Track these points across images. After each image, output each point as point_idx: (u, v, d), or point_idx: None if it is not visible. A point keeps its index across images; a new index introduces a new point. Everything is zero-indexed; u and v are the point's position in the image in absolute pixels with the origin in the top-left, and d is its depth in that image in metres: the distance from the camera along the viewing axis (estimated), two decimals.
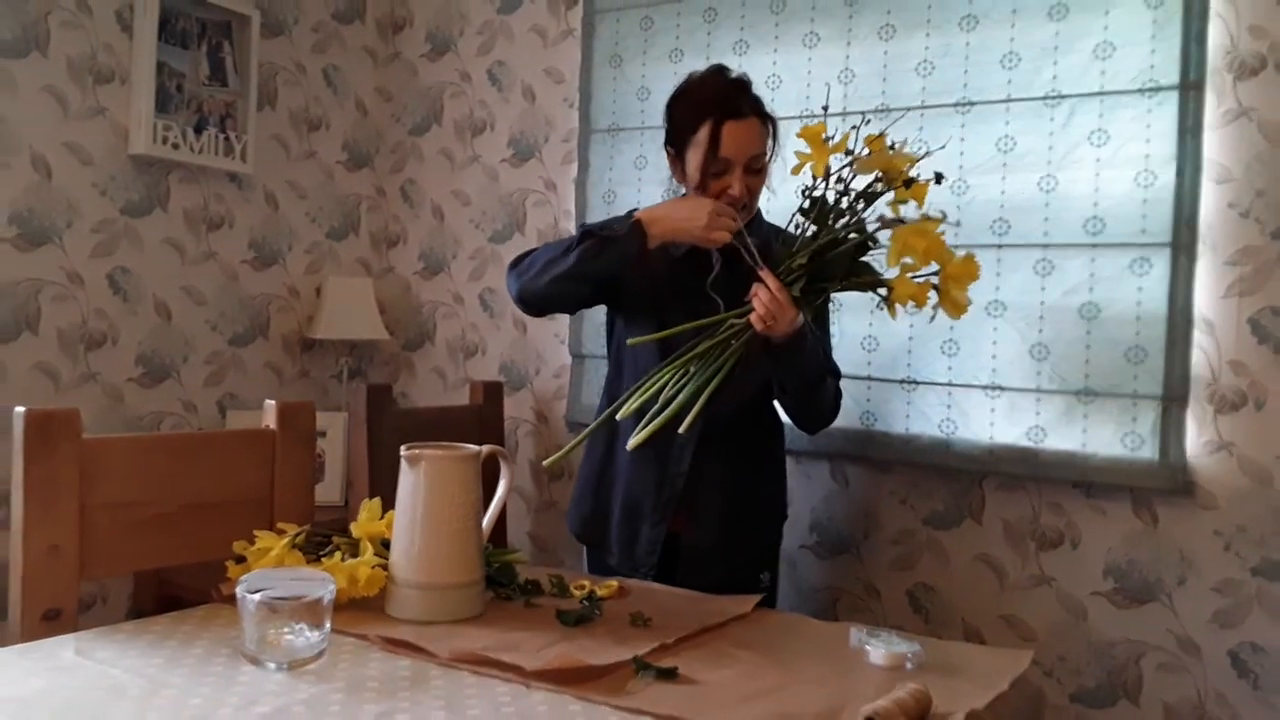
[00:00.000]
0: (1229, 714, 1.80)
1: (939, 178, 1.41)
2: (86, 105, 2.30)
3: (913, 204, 1.39)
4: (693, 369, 1.43)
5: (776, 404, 1.75)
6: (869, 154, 1.38)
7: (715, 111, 1.56)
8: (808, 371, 1.61)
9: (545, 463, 1.51)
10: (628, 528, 1.68)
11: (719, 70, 1.65)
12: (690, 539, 1.67)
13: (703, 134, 1.57)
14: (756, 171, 1.60)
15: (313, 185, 2.82)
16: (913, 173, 1.38)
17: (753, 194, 1.62)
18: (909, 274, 1.36)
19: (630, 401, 1.44)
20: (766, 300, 1.41)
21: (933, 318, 1.42)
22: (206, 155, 2.48)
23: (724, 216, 1.52)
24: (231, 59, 2.55)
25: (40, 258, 2.23)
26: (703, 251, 1.65)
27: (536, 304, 1.67)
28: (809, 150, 1.41)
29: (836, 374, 1.72)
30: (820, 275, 1.43)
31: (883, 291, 1.40)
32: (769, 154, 1.62)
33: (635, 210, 1.60)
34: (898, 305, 1.38)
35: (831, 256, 1.41)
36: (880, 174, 1.39)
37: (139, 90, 2.35)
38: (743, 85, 1.61)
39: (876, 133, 1.40)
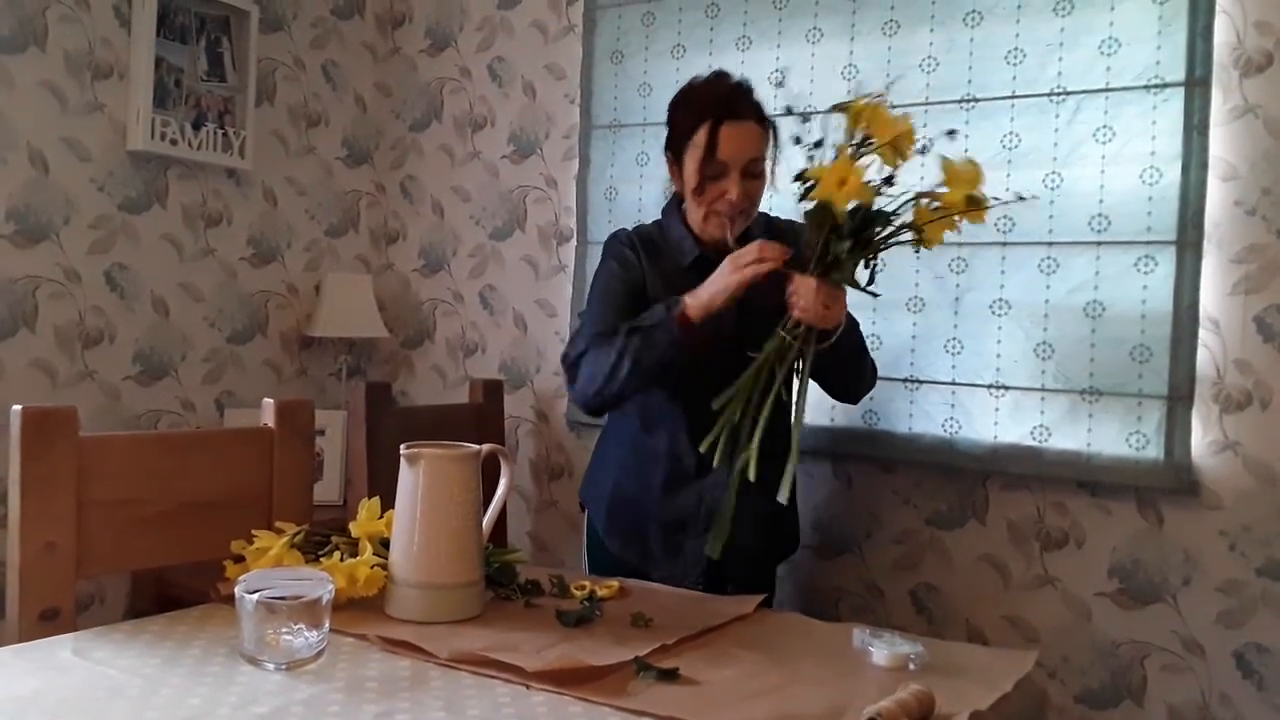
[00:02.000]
0: (1233, 715, 1.79)
1: (951, 134, 1.43)
2: (84, 101, 2.29)
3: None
4: (754, 395, 1.41)
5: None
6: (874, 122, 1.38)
7: (713, 113, 1.55)
8: (856, 343, 1.63)
9: None
10: (670, 543, 1.67)
11: (720, 75, 1.64)
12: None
13: (700, 136, 1.56)
14: (755, 176, 1.59)
15: (312, 181, 2.80)
16: (920, 143, 1.37)
17: (751, 199, 1.60)
18: (929, 205, 1.33)
19: (714, 438, 1.42)
20: (808, 296, 1.38)
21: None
22: (205, 151, 2.47)
23: (747, 254, 1.45)
24: (230, 54, 2.54)
25: (37, 254, 2.22)
26: (712, 263, 1.64)
27: (611, 409, 1.67)
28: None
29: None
30: (857, 245, 1.40)
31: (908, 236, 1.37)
32: (768, 158, 1.61)
33: (671, 302, 1.53)
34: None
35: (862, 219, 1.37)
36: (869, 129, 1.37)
37: (137, 86, 2.34)
38: (743, 89, 1.61)
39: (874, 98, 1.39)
